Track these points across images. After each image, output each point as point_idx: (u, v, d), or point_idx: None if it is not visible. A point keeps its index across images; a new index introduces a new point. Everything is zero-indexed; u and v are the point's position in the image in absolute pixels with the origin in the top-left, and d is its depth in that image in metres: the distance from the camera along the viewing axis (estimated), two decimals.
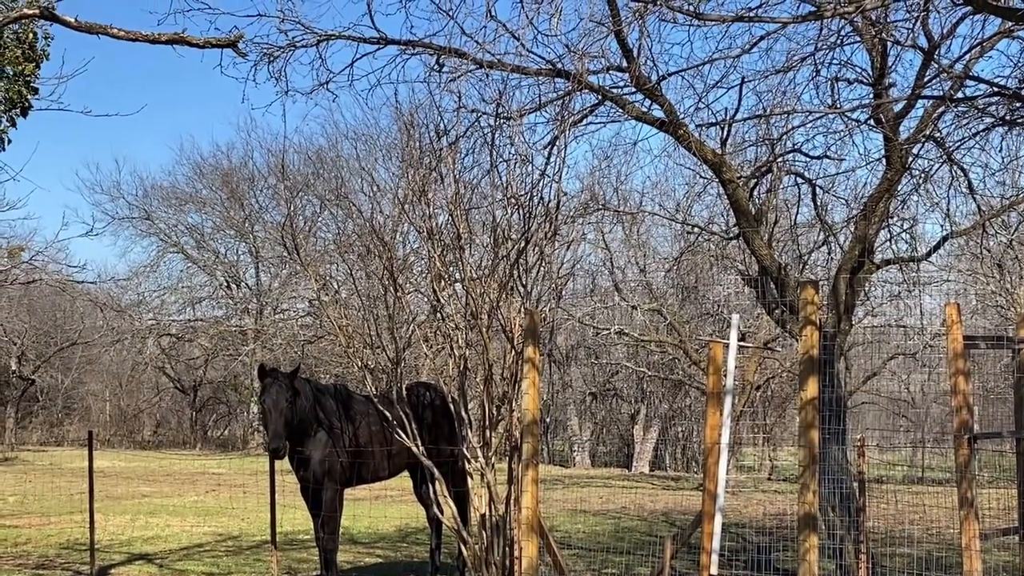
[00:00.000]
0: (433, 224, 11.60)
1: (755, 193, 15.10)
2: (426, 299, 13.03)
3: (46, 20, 9.18)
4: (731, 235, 18.17)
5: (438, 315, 11.84)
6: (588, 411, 42.45)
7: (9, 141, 9.84)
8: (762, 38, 11.54)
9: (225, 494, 23.66)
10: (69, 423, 52.13)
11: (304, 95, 13.72)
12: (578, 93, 12.74)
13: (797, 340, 10.41)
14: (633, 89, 13.20)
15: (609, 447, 43.72)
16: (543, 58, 12.62)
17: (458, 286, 11.81)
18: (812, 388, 9.46)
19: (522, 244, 11.21)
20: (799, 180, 15.60)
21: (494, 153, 11.72)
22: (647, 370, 35.29)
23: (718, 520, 10.36)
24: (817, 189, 15.56)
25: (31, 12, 9.01)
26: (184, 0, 10.26)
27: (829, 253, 18.78)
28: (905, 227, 16.39)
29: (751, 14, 9.91)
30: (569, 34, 12.22)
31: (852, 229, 14.71)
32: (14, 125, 9.81)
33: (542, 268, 11.66)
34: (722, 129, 13.82)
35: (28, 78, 9.69)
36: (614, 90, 13.49)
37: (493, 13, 11.56)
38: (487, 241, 11.75)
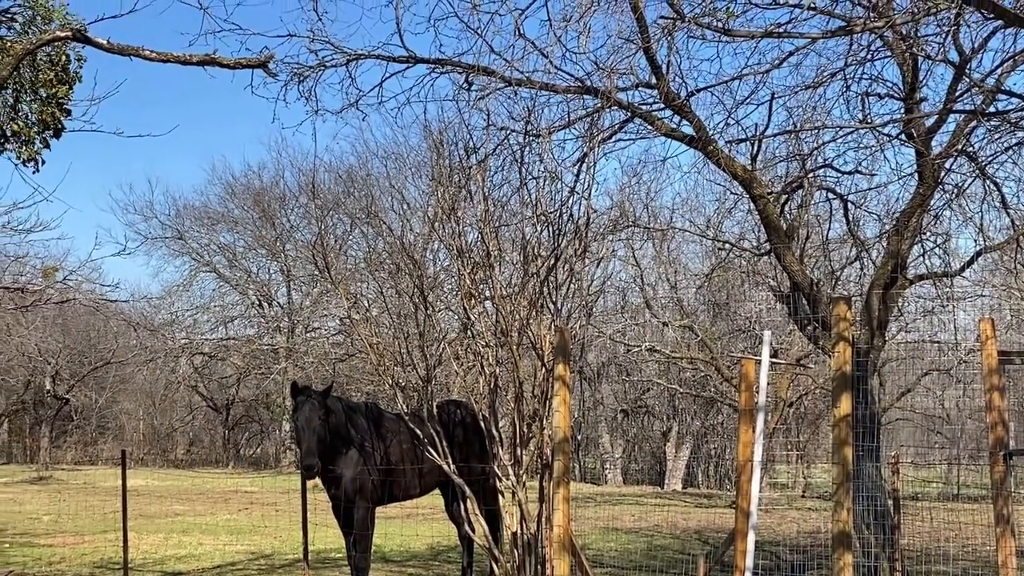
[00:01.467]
0: (463, 242, 11.62)
1: (786, 209, 15.05)
2: (456, 317, 13.05)
3: (79, 42, 9.26)
4: (762, 251, 18.13)
5: (468, 333, 11.85)
6: (620, 428, 42.32)
7: (43, 162, 9.92)
8: (791, 53, 11.51)
9: (258, 512, 23.71)
10: (103, 442, 52.43)
11: (334, 114, 13.81)
12: (607, 110, 12.76)
13: (830, 356, 10.34)
14: (662, 105, 13.19)
15: (641, 464, 43.56)
16: (572, 75, 12.64)
17: (488, 304, 11.82)
18: (845, 405, 9.39)
19: (552, 261, 11.21)
20: (830, 195, 15.55)
21: (523, 170, 11.75)
22: (679, 387, 35.16)
23: (751, 538, 10.29)
24: (849, 204, 15.50)
25: (64, 35, 9.09)
26: (215, 21, 10.38)
27: (862, 269, 18.69)
28: (938, 242, 16.30)
29: (780, 30, 9.89)
30: (597, 51, 12.27)
31: (885, 244, 14.65)
32: (47, 146, 9.89)
33: (572, 285, 11.66)
34: (752, 145, 13.80)
35: (61, 100, 9.77)
36: (643, 107, 13.49)
37: (522, 31, 11.60)
38: (517, 258, 11.77)
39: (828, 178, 15.22)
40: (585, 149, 12.51)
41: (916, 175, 13.58)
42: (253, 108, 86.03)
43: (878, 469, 13.38)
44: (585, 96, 12.96)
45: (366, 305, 16.40)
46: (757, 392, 10.61)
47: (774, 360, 11.83)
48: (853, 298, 12.62)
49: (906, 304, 21.84)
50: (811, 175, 14.69)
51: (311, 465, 11.67)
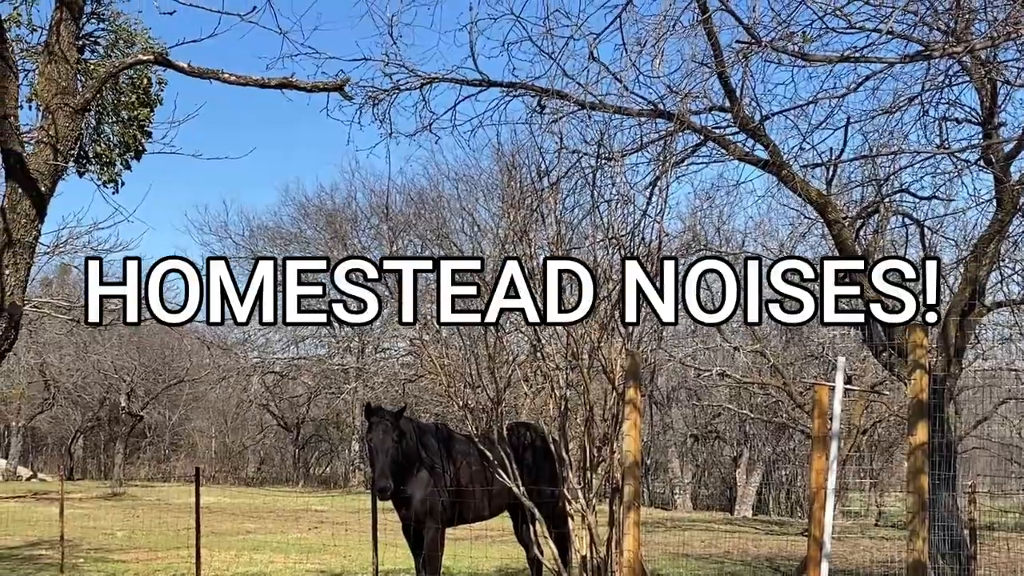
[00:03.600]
0: (535, 264, 11.62)
1: (861, 234, 14.91)
2: (526, 339, 13.04)
3: (160, 66, 9.41)
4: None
5: (538, 355, 11.83)
6: (689, 453, 42.04)
7: (123, 183, 10.10)
8: (868, 78, 11.42)
9: (327, 531, 23.84)
10: (176, 459, 53.12)
11: (408, 137, 13.90)
12: (680, 133, 12.71)
13: (905, 384, 10.21)
14: (736, 129, 13.13)
15: (711, 490, 43.23)
16: (645, 99, 12.62)
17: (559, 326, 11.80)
18: (922, 433, 9.26)
19: (623, 284, 11.17)
20: (907, 221, 15.39)
21: (595, 193, 11.73)
22: (750, 412, 34.86)
23: (824, 567, 10.16)
24: (925, 230, 15.32)
25: (146, 58, 9.24)
26: (293, 45, 10.51)
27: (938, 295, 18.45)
28: (1017, 269, 16.05)
29: (857, 54, 9.81)
30: (671, 75, 12.21)
31: (962, 271, 14.46)
32: (128, 168, 10.07)
33: (644, 309, 11.60)
34: (827, 170, 13.71)
35: (142, 123, 9.94)
36: (716, 130, 13.43)
37: (596, 55, 11.60)
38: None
39: (905, 203, 15.09)
40: (658, 172, 12.46)
41: (995, 201, 13.40)
42: (328, 131, 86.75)
43: (954, 498, 13.18)
44: (658, 119, 12.93)
45: (436, 326, 16.43)
46: (831, 419, 10.49)
47: (848, 387, 11.69)
48: (930, 325, 12.45)
49: (983, 331, 21.51)
50: (887, 200, 14.55)
51: (385, 488, 11.69)
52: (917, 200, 14.99)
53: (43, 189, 8.66)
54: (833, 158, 13.51)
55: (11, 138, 8.38)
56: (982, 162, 13.33)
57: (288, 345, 51.92)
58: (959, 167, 13.56)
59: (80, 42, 9.40)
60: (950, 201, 15.29)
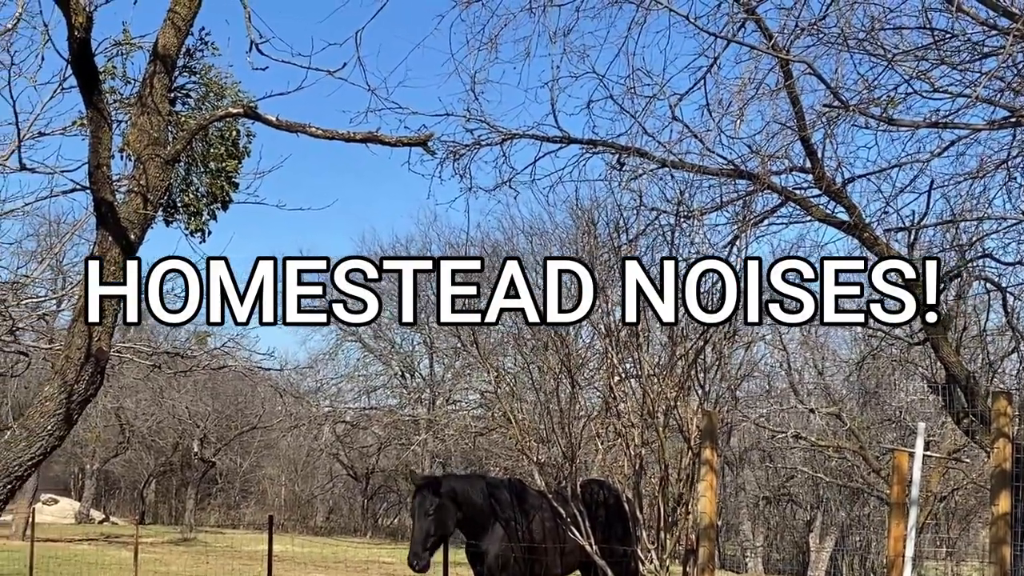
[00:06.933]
0: (611, 320, 11.63)
1: (942, 298, 14.70)
2: (600, 395, 13.00)
3: (249, 119, 9.58)
4: (916, 340, 17.71)
5: (611, 412, 11.80)
6: (761, 516, 41.44)
7: (209, 233, 10.25)
8: (953, 143, 11.30)
9: None
10: (245, 505, 53.42)
11: (487, 191, 13.98)
12: (760, 193, 12.67)
13: (986, 451, 10.03)
14: (817, 191, 13.05)
15: (783, 554, 42.53)
16: (725, 158, 12.59)
17: (633, 382, 11.78)
18: (1004, 503, 9.08)
19: (700, 343, 11.14)
20: (989, 286, 15.15)
21: (673, 251, 11.73)
22: (824, 476, 34.31)
23: None
24: (1008, 296, 15.09)
25: (236, 111, 9.42)
26: (379, 100, 10.64)
27: (1020, 361, 18.13)
28: None
29: (943, 120, 9.73)
30: (753, 136, 12.19)
31: None
32: (214, 218, 10.22)
33: (720, 369, 11.56)
34: (910, 234, 13.55)
35: (230, 174, 10.11)
36: (797, 191, 13.36)
37: (677, 115, 11.62)
38: (664, 339, 11.72)
39: (988, 268, 14.87)
40: (737, 231, 12.44)
41: None
42: (404, 182, 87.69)
43: None
44: (738, 179, 12.90)
45: (511, 380, 16.42)
46: (910, 485, 10.33)
47: (927, 453, 11.49)
48: (1013, 391, 12.24)
49: None
50: (970, 265, 14.36)
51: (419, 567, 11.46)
52: (1001, 266, 14.79)
53: (132, 237, 8.82)
54: (916, 222, 13.37)
55: (104, 187, 8.57)
56: None
57: (360, 395, 52.16)
58: None
59: (172, 94, 9.61)
60: None
